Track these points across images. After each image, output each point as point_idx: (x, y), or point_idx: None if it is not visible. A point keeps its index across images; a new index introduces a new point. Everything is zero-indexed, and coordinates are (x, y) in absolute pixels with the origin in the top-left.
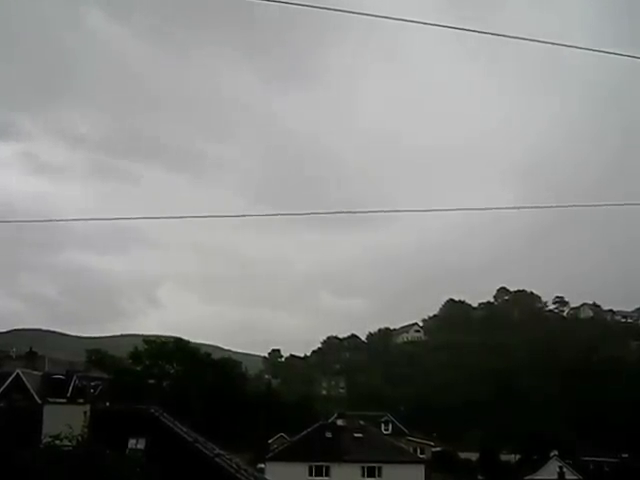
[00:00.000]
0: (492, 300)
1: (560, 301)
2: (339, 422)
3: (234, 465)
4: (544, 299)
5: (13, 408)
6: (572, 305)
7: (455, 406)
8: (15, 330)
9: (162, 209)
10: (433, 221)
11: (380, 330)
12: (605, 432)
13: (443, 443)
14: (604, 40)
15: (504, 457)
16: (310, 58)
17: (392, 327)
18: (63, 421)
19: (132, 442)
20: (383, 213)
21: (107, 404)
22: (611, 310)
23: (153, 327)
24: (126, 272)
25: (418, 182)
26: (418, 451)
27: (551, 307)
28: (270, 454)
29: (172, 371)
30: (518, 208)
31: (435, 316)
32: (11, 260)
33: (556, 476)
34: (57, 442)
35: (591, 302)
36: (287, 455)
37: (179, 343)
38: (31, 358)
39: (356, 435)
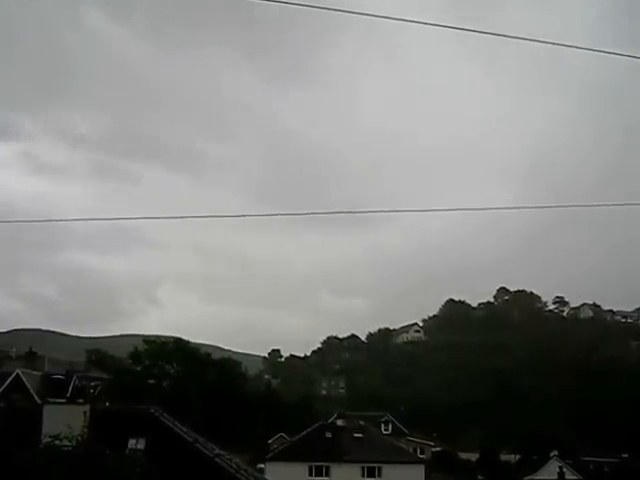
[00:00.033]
0: (492, 300)
1: (560, 301)
2: (339, 422)
3: (234, 465)
4: (544, 299)
5: (13, 408)
6: (572, 305)
7: (455, 406)
8: (15, 330)
9: (162, 209)
10: (433, 221)
11: (380, 330)
12: (605, 432)
13: (443, 443)
14: (604, 40)
15: (504, 457)
16: (310, 58)
17: (392, 327)
18: (63, 421)
19: (132, 442)
20: (383, 213)
21: (107, 404)
22: (611, 310)
23: (153, 327)
24: (126, 272)
25: (418, 182)
26: (418, 451)
27: (551, 307)
28: (270, 454)
29: (172, 371)
30: (518, 208)
31: (435, 316)
32: (11, 260)
33: (556, 476)
34: (57, 442)
35: (591, 302)
36: (287, 455)
37: (179, 343)
38: (31, 358)
39: (356, 435)
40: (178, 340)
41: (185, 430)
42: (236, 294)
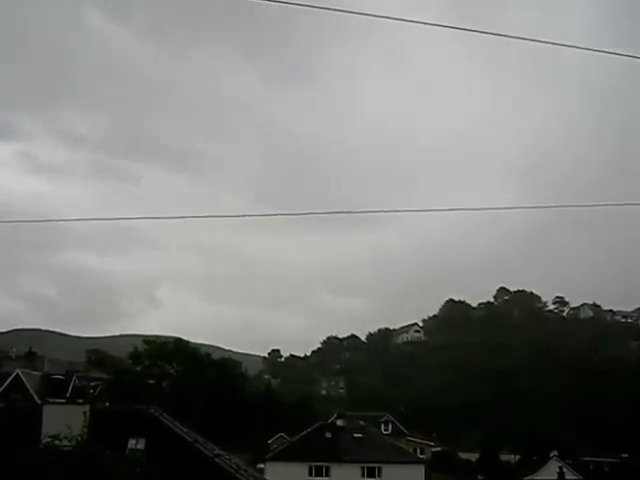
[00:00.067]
0: (492, 300)
1: (560, 301)
2: (339, 422)
3: (234, 465)
4: (544, 299)
5: (12, 408)
6: (572, 305)
7: (455, 406)
8: (15, 330)
9: (162, 209)
10: (433, 221)
11: (380, 330)
12: (605, 432)
13: (443, 443)
14: (604, 40)
15: (504, 457)
16: (310, 58)
17: (392, 327)
18: (62, 421)
19: (132, 442)
20: (383, 213)
21: (107, 404)
22: (611, 310)
23: (153, 327)
24: (126, 272)
25: (418, 182)
26: (418, 451)
27: (551, 307)
28: (270, 454)
29: (172, 371)
30: (517, 208)
31: (435, 316)
32: (11, 260)
33: (556, 476)
34: (56, 442)
35: (591, 302)
36: (287, 455)
37: (179, 343)
38: (31, 358)
39: (356, 435)
40: (178, 340)
41: (185, 430)
42: (236, 294)
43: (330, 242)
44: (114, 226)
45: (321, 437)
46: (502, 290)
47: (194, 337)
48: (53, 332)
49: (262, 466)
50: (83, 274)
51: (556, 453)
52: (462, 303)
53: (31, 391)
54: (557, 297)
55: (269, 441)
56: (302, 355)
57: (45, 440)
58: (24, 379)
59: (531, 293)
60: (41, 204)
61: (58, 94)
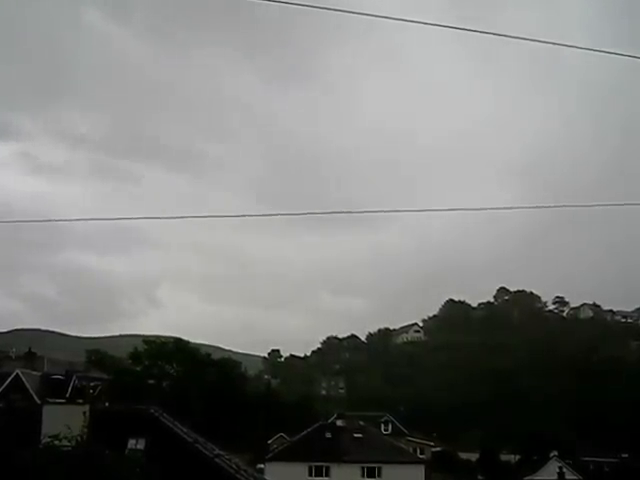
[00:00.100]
0: (492, 300)
1: (560, 301)
2: (339, 422)
3: (234, 465)
4: (544, 299)
5: (12, 408)
6: (572, 305)
7: (455, 406)
8: (15, 330)
9: (162, 209)
10: (433, 221)
11: (380, 330)
12: (605, 432)
13: (443, 443)
14: (604, 40)
15: (504, 457)
16: (310, 58)
17: (392, 327)
18: (62, 421)
19: (132, 442)
20: (383, 213)
21: (107, 404)
22: (611, 310)
23: (153, 327)
24: (126, 272)
25: (418, 182)
26: (418, 451)
27: (551, 307)
28: (270, 454)
29: (172, 371)
30: (517, 208)
31: (435, 316)
32: (11, 260)
33: (556, 476)
34: (56, 442)
35: (591, 302)
36: (287, 455)
37: (179, 343)
38: (30, 358)
39: (356, 435)
40: (178, 340)
41: (185, 430)
42: (236, 294)
43: (330, 242)
44: (114, 226)
45: (321, 437)
46: (502, 290)
47: (194, 337)
48: (53, 332)
49: (262, 466)
50: (83, 274)
51: (556, 453)
52: (462, 303)
53: (31, 391)
54: (557, 297)
55: (269, 441)
56: (302, 355)
57: (45, 440)
58: (24, 379)
59: (531, 293)
60: (41, 204)
61: (58, 94)
